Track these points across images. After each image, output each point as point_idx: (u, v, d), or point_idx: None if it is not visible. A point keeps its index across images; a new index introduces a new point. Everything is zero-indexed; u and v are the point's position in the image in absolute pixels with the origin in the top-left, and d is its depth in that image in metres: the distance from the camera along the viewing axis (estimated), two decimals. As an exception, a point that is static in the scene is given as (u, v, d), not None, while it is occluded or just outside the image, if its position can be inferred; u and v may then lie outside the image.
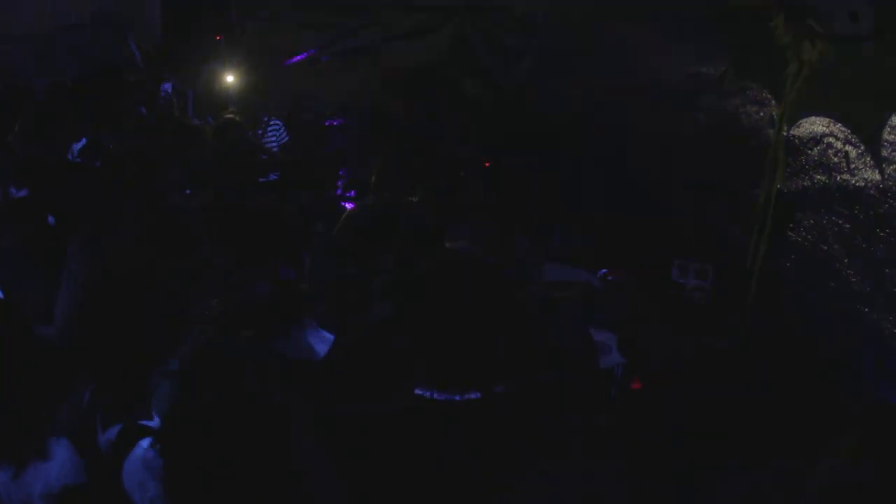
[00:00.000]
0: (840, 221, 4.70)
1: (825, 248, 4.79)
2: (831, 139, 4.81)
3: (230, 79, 7.66)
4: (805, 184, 5.01)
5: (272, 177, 7.22)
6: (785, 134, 5.19)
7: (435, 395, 2.04)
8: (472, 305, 2.07)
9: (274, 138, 7.18)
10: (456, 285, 2.09)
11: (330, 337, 3.55)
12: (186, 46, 8.03)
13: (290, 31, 8.45)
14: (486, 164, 7.99)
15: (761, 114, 5.43)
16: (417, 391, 2.07)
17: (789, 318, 5.13)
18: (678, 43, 6.18)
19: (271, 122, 7.23)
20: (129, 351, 2.30)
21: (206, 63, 8.22)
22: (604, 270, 6.27)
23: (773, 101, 5.30)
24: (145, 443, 2.18)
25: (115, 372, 2.31)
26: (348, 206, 6.44)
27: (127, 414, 2.31)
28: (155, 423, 2.33)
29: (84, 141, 5.58)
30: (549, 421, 2.97)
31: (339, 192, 6.91)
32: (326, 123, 8.90)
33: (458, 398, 2.05)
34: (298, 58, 8.62)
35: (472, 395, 2.06)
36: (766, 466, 2.85)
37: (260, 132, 7.10)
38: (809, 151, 4.99)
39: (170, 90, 7.57)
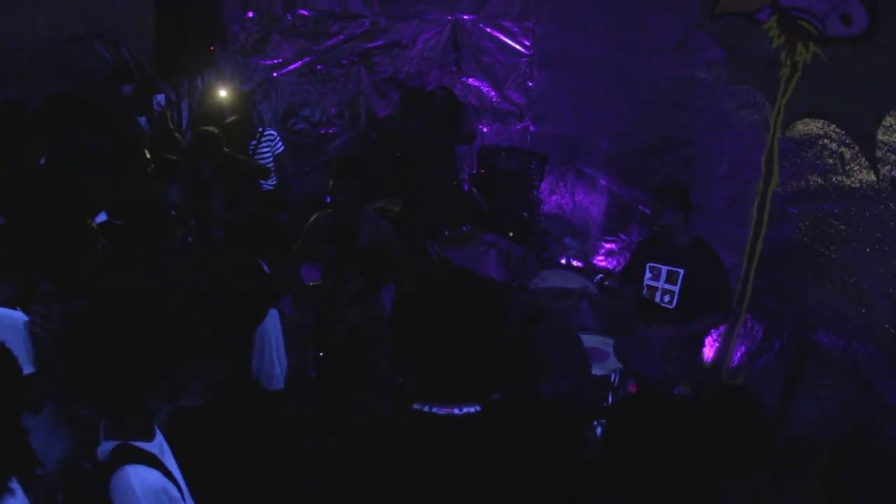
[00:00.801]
0: (836, 222, 4.68)
1: (821, 249, 4.78)
2: (826, 140, 4.79)
3: (222, 93, 7.64)
4: (800, 185, 4.99)
5: (267, 186, 7.22)
6: (779, 136, 5.19)
7: (434, 410, 2.03)
8: (466, 318, 2.05)
9: (268, 149, 7.17)
10: (449, 299, 2.07)
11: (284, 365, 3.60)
12: (180, 57, 7.98)
13: (284, 39, 8.44)
14: (482, 171, 8.00)
15: (755, 117, 5.42)
16: (416, 406, 2.06)
17: (782, 321, 5.13)
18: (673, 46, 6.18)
19: (266, 133, 7.22)
20: (126, 369, 2.29)
21: (200, 74, 8.19)
22: (600, 276, 6.28)
23: (768, 103, 5.30)
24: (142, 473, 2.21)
25: (113, 390, 2.30)
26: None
27: (124, 431, 2.31)
28: (153, 445, 2.32)
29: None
30: (545, 431, 2.96)
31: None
32: (321, 132, 8.90)
33: (456, 412, 2.04)
34: (293, 66, 8.62)
35: (471, 409, 2.05)
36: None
37: (254, 143, 7.09)
38: (804, 153, 4.97)
39: (163, 102, 7.54)
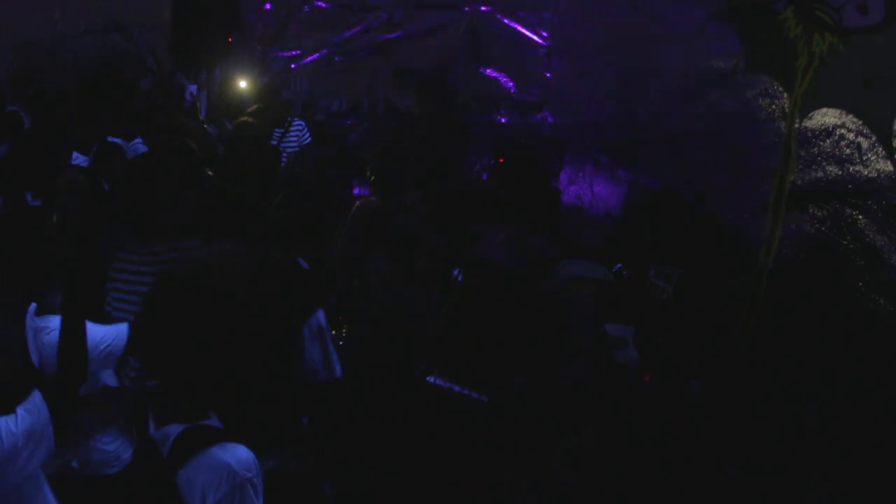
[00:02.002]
0: (852, 212, 4.73)
1: (838, 239, 4.82)
2: (843, 130, 4.83)
3: (244, 81, 7.70)
4: (817, 175, 5.03)
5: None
6: (797, 126, 5.22)
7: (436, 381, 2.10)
8: (501, 312, 2.14)
9: (296, 139, 7.21)
10: (489, 295, 2.16)
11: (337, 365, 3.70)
12: (198, 49, 8.07)
13: (303, 30, 8.51)
14: (500, 161, 8.03)
15: (773, 106, 5.45)
16: (431, 379, 2.13)
17: (801, 311, 5.16)
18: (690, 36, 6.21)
19: (294, 123, 7.25)
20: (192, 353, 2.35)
21: (218, 65, 8.27)
22: (619, 265, 6.31)
23: (785, 94, 5.33)
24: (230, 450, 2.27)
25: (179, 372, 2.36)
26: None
27: (188, 414, 2.36)
28: (214, 421, 2.40)
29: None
30: (565, 415, 3.04)
31: (355, 190, 6.94)
32: (339, 123, 8.95)
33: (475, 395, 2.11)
34: (311, 58, 8.68)
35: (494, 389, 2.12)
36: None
37: (281, 132, 7.12)
38: (821, 143, 5.01)
39: (195, 91, 7.60)
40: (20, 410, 2.28)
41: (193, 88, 7.68)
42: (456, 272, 4.08)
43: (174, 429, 2.29)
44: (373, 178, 4.98)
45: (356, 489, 2.20)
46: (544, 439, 2.42)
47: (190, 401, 2.34)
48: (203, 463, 2.21)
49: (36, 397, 2.33)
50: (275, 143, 7.10)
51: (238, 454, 2.26)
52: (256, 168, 5.89)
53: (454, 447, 2.07)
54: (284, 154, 7.14)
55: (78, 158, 5.69)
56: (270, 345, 3.06)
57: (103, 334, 3.05)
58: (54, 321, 2.82)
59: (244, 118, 6.36)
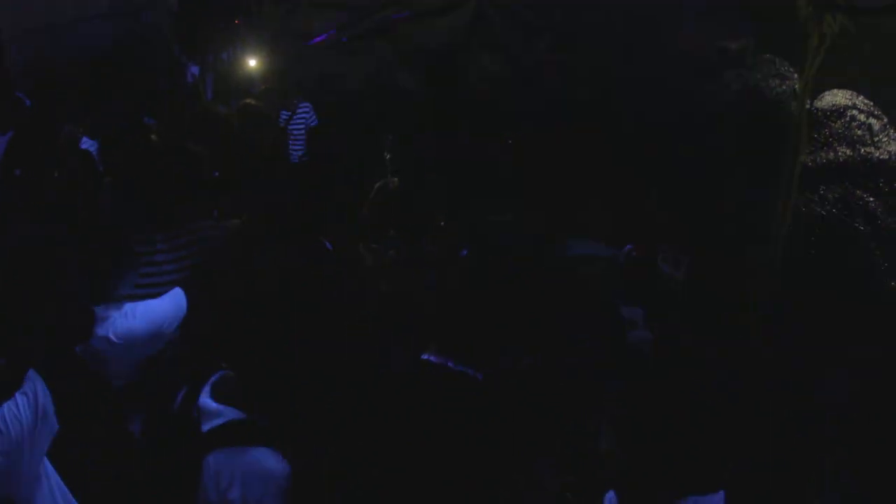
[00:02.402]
0: (863, 194, 4.71)
1: (849, 221, 4.80)
2: (854, 112, 4.81)
3: (252, 62, 7.69)
4: (828, 157, 5.01)
5: (296, 159, 7.29)
6: (807, 107, 5.20)
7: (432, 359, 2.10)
8: (507, 292, 2.14)
9: (303, 122, 7.22)
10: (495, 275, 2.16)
11: None
12: (205, 31, 8.05)
13: (310, 11, 8.47)
14: (509, 141, 8.02)
15: (783, 87, 5.43)
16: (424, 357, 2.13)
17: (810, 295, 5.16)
18: (702, 16, 6.18)
19: (301, 105, 7.26)
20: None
21: (225, 47, 8.25)
22: (629, 246, 6.31)
23: (795, 75, 5.30)
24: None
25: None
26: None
27: (246, 403, 2.39)
28: (263, 420, 2.41)
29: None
30: (577, 394, 3.05)
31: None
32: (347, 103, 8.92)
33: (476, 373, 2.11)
34: (318, 39, 8.65)
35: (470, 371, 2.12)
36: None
37: (287, 115, 7.13)
38: (832, 124, 4.99)
39: (197, 73, 7.61)
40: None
41: (195, 69, 7.67)
42: (464, 252, 4.09)
43: (228, 411, 2.30)
44: (390, 157, 5.00)
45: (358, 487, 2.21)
46: (548, 423, 2.43)
47: (255, 391, 2.36)
48: (241, 459, 2.23)
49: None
50: (282, 125, 7.11)
51: (276, 464, 2.30)
52: (263, 150, 5.89)
53: (455, 437, 2.07)
54: (291, 137, 7.15)
55: (86, 143, 5.69)
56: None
57: (164, 312, 3.08)
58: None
59: (248, 100, 6.36)
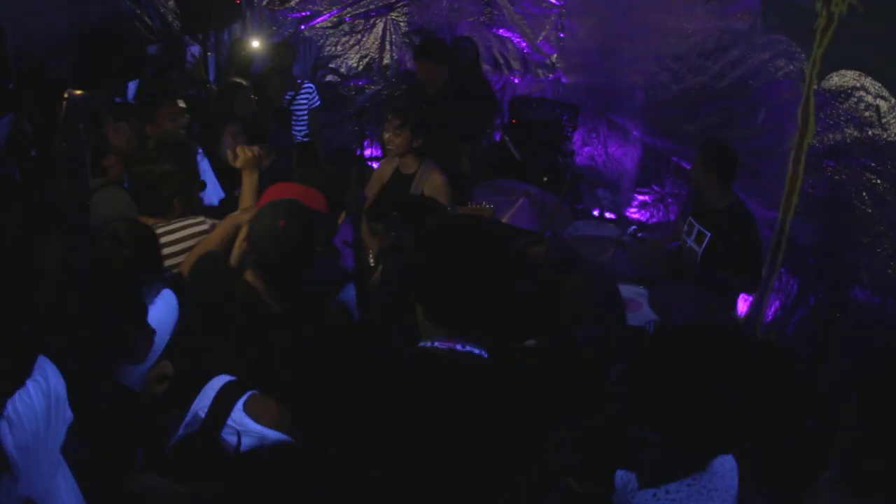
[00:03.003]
0: (871, 176, 4.67)
1: (856, 202, 4.77)
2: (862, 93, 4.75)
3: (255, 44, 7.62)
4: (836, 138, 4.97)
5: (300, 138, 7.24)
6: (815, 87, 5.15)
7: (436, 345, 2.07)
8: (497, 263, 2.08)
9: (305, 102, 7.19)
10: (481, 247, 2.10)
11: None
12: (206, 12, 7.99)
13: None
14: (514, 122, 7.98)
15: (791, 67, 5.38)
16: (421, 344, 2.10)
17: (817, 277, 5.14)
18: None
19: (304, 85, 7.23)
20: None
21: (226, 28, 8.19)
22: (633, 227, 6.31)
23: (804, 54, 5.26)
24: None
25: None
26: (375, 165, 6.48)
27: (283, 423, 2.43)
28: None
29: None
30: (579, 375, 3.02)
31: (364, 151, 6.91)
32: (350, 84, 8.90)
33: (458, 347, 2.06)
34: (321, 19, 8.60)
35: (475, 350, 2.08)
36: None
37: (292, 94, 7.09)
38: (840, 105, 4.94)
39: (197, 53, 7.56)
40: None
41: (195, 49, 7.62)
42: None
43: (270, 433, 2.33)
44: (388, 136, 4.94)
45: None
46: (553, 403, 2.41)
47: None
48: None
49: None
50: (285, 105, 7.07)
51: None
52: (262, 131, 5.83)
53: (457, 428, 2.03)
54: (293, 116, 7.12)
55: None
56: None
57: (158, 317, 3.01)
58: None
59: (235, 80, 6.23)
